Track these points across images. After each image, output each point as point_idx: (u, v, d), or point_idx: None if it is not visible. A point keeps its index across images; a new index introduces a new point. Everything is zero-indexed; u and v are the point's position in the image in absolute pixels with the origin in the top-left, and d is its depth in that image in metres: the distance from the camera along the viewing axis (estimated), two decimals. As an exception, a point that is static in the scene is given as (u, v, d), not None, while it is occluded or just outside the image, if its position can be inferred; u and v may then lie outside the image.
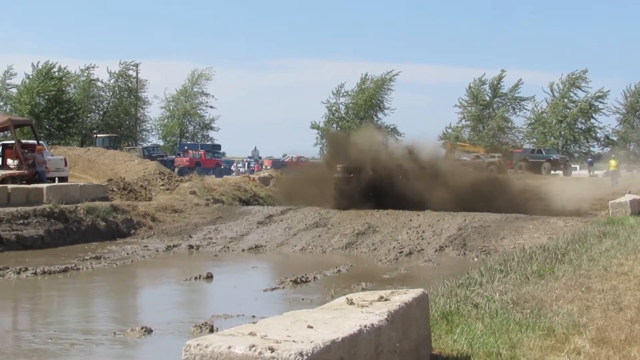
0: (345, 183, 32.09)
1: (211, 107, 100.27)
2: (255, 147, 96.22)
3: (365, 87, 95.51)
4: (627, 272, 12.38)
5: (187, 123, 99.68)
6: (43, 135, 73.97)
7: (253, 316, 13.26)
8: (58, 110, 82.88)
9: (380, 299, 6.81)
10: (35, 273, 19.78)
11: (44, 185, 29.02)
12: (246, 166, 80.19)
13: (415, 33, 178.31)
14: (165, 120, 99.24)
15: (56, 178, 34.61)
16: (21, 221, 25.43)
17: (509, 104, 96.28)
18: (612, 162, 58.31)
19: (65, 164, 37.63)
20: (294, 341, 5.17)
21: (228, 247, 26.36)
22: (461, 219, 27.64)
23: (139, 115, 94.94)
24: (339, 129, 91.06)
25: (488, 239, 25.38)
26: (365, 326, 5.74)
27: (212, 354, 5.09)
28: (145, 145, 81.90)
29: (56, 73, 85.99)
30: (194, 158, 72.40)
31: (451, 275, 13.42)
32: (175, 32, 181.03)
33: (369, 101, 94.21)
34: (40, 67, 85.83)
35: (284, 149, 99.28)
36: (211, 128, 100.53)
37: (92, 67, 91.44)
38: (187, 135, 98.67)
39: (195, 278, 19.72)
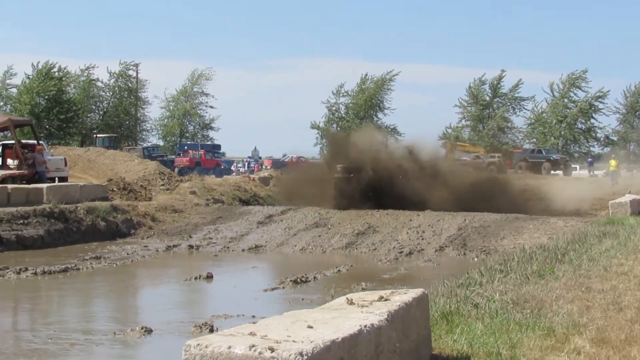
0: (345, 183, 31.98)
1: (211, 107, 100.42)
2: (255, 147, 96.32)
3: (365, 87, 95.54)
4: (627, 272, 12.38)
5: (187, 123, 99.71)
6: (43, 135, 73.97)
7: (253, 316, 13.26)
8: (58, 110, 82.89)
9: (380, 299, 6.81)
10: (35, 273, 19.78)
11: (44, 185, 29.02)
12: (246, 166, 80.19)
13: (415, 33, 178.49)
14: (165, 120, 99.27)
15: (56, 178, 34.60)
16: (21, 221, 25.43)
17: (509, 104, 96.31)
18: (612, 162, 58.32)
19: (65, 164, 37.63)
20: (294, 341, 5.17)
21: (228, 247, 26.37)
22: (461, 219, 27.64)
23: (139, 115, 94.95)
24: (339, 129, 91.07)
25: (488, 239, 25.38)
26: (365, 326, 5.74)
27: (212, 354, 5.09)
28: (145, 145, 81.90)
29: (56, 73, 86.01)
30: (194, 158, 72.40)
31: (451, 275, 13.42)
32: (175, 32, 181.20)
33: (369, 101, 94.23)
34: (40, 67, 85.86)
35: (283, 149, 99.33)
36: (211, 128, 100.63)
37: (92, 67, 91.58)
38: (187, 135, 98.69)
39: (195, 278, 19.72)
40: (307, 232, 27.78)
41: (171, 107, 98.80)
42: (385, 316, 6.13)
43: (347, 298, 6.89)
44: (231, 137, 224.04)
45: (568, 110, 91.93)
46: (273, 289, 18.29)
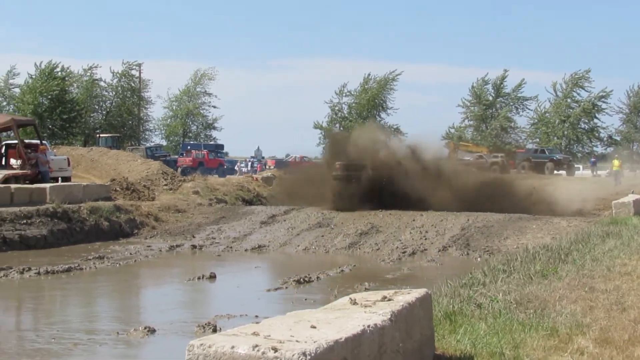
0: (345, 182, 31.54)
1: (214, 107, 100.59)
2: (258, 147, 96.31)
3: (368, 87, 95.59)
4: (630, 272, 12.37)
5: (190, 123, 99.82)
6: (46, 135, 74.05)
7: (256, 316, 13.25)
8: (61, 110, 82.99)
9: (384, 299, 6.81)
10: (39, 273, 19.78)
11: (47, 185, 29.02)
12: (249, 166, 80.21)
13: (418, 33, 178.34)
14: (168, 120, 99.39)
15: (59, 178, 34.62)
16: (24, 221, 25.44)
17: (512, 103, 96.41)
18: (615, 162, 58.27)
19: (68, 164, 37.65)
20: (297, 341, 5.16)
21: (231, 247, 26.37)
22: (464, 219, 27.61)
23: (141, 115, 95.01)
24: (341, 128, 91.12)
25: (491, 239, 25.36)
26: (368, 326, 5.74)
27: (215, 353, 5.09)
28: (148, 145, 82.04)
29: (59, 73, 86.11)
30: (197, 158, 72.45)
31: (454, 275, 13.40)
32: (177, 32, 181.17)
33: (371, 101, 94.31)
34: (43, 67, 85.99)
35: (286, 149, 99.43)
36: (214, 128, 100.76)
37: (95, 67, 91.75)
38: (190, 135, 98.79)
39: (199, 278, 19.72)
40: (310, 232, 27.77)
41: (174, 107, 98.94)
42: (389, 316, 6.13)
43: (350, 298, 6.88)
44: (234, 137, 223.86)
45: (571, 110, 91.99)
46: (276, 289, 18.28)
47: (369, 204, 30.48)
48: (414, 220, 27.99)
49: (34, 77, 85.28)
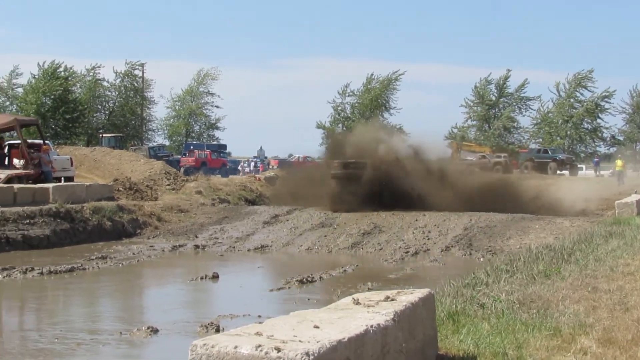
0: (344, 180, 31.16)
1: (217, 106, 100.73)
2: (261, 147, 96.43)
3: (371, 86, 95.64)
4: (633, 272, 12.36)
5: (193, 123, 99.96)
6: (49, 135, 74.10)
7: (259, 316, 13.26)
8: (64, 110, 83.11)
9: (387, 299, 6.81)
10: (42, 273, 19.79)
11: (50, 185, 29.04)
12: (252, 166, 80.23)
13: (420, 32, 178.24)
14: (171, 120, 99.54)
15: (62, 178, 34.64)
16: (27, 221, 25.46)
17: (515, 103, 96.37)
18: (619, 162, 58.21)
19: (71, 164, 37.68)
20: (300, 341, 5.16)
21: (234, 247, 26.36)
22: (467, 219, 27.60)
23: (144, 115, 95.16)
24: (344, 128, 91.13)
25: (494, 239, 25.35)
26: (371, 326, 5.74)
27: (218, 353, 5.09)
28: (151, 145, 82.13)
29: (62, 73, 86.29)
30: (199, 158, 72.48)
31: (457, 275, 13.41)
32: (180, 32, 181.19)
33: (374, 101, 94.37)
34: (46, 66, 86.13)
35: (289, 149, 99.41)
36: (217, 128, 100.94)
37: (98, 66, 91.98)
38: (193, 135, 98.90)
39: (201, 278, 19.72)
40: (313, 232, 27.76)
41: (177, 107, 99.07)
42: (392, 316, 6.13)
43: (353, 298, 6.88)
44: (237, 137, 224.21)
45: (574, 110, 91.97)
46: (279, 289, 18.28)
47: (369, 204, 30.18)
48: (416, 220, 27.98)
49: (37, 77, 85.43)
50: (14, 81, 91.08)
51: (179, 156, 76.35)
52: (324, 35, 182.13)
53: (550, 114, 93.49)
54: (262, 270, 23.66)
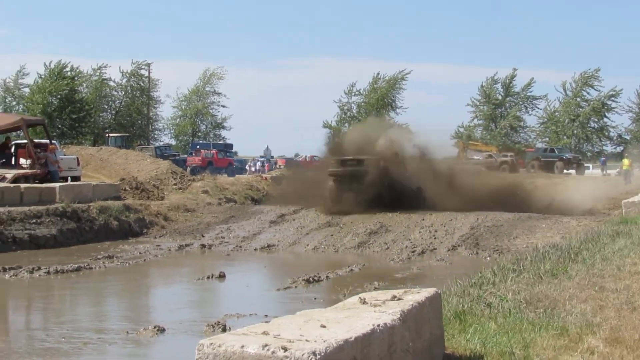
0: (345, 178, 30.54)
1: (223, 106, 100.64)
2: (267, 147, 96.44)
3: (377, 86, 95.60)
4: (640, 271, 12.33)
5: (199, 122, 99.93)
6: (55, 134, 74.21)
7: (266, 315, 13.24)
8: (70, 110, 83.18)
9: (393, 298, 6.80)
10: (48, 272, 19.80)
11: (57, 185, 29.07)
12: (258, 165, 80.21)
13: (423, 32, 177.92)
14: (178, 119, 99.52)
15: (69, 177, 34.69)
16: (34, 220, 25.49)
17: (521, 103, 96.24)
18: (625, 161, 58.13)
19: (78, 164, 37.70)
20: (307, 340, 5.16)
21: (240, 247, 26.37)
22: (474, 218, 27.58)
23: (151, 114, 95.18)
24: (350, 128, 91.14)
25: (501, 238, 25.32)
26: (378, 325, 5.73)
27: (225, 353, 5.09)
28: (157, 144, 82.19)
29: (68, 72, 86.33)
30: (206, 157, 72.49)
31: (464, 274, 13.38)
32: (186, 32, 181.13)
33: (381, 100, 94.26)
34: (52, 66, 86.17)
35: (296, 148, 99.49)
36: (223, 127, 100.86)
37: (105, 66, 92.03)
38: (200, 134, 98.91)
39: (208, 277, 19.72)
40: (319, 231, 27.76)
41: (183, 107, 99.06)
42: (398, 315, 6.12)
43: (359, 297, 6.88)
44: (243, 137, 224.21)
45: (581, 109, 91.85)
46: (285, 288, 18.26)
47: (369, 204, 29.66)
48: (423, 219, 27.95)
49: (43, 77, 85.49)
50: (20, 81, 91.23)
51: (186, 156, 76.40)
52: (326, 35, 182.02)
53: (556, 113, 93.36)
54: (269, 270, 23.66)
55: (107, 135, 78.65)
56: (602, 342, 7.80)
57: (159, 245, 26.07)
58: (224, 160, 74.81)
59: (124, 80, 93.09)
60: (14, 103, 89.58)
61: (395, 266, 22.45)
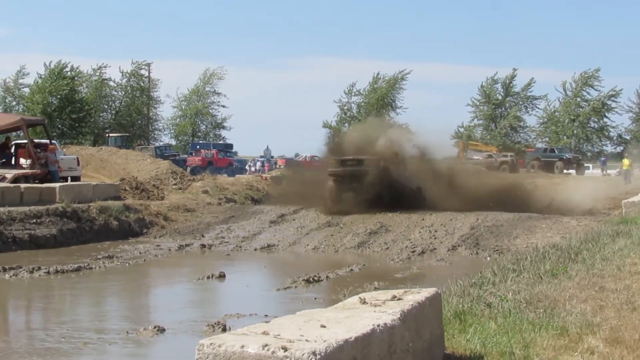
0: (342, 178, 30.52)
1: (223, 106, 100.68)
2: (267, 147, 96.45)
3: (377, 86, 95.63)
4: (640, 271, 12.33)
5: (199, 122, 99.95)
6: (55, 134, 74.23)
7: (266, 315, 13.25)
8: (70, 110, 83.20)
9: (393, 298, 6.81)
10: (48, 272, 19.80)
11: (57, 185, 29.08)
12: (258, 165, 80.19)
13: (426, 32, 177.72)
14: (178, 119, 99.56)
15: (69, 177, 34.68)
16: (34, 220, 25.50)
17: (521, 103, 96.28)
18: (625, 161, 58.12)
19: (78, 164, 37.69)
20: (307, 340, 5.17)
21: (240, 247, 26.37)
22: (474, 218, 27.59)
23: (151, 114, 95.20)
24: (350, 128, 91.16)
25: (501, 238, 25.33)
26: (378, 325, 5.74)
27: (225, 353, 5.10)
28: (157, 144, 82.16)
29: (68, 72, 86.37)
30: (206, 157, 72.47)
31: (464, 274, 13.37)
32: (186, 32, 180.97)
33: (381, 100, 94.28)
34: (52, 66, 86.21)
35: (295, 149, 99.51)
36: (223, 127, 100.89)
37: (105, 66, 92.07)
38: (200, 134, 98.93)
39: (208, 277, 19.73)
40: (320, 231, 27.76)
41: (183, 107, 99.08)
42: (398, 315, 6.13)
43: (360, 297, 6.88)
44: (243, 137, 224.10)
45: (580, 109, 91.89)
46: (285, 288, 18.26)
47: (369, 204, 29.64)
48: (423, 219, 27.96)
49: (43, 76, 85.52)
50: (20, 81, 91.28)
51: (186, 156, 76.40)
52: (326, 34, 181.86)
53: (556, 113, 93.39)
54: (269, 270, 23.66)
55: (107, 135, 78.65)
56: (602, 342, 7.81)
57: (159, 245, 26.08)
58: (224, 160, 74.79)
59: (124, 80, 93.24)
60: (14, 103, 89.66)
61: (395, 266, 22.46)
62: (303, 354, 4.91)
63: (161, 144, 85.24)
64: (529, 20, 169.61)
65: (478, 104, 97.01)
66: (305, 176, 40.68)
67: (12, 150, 34.77)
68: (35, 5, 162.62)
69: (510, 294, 10.10)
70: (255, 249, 25.96)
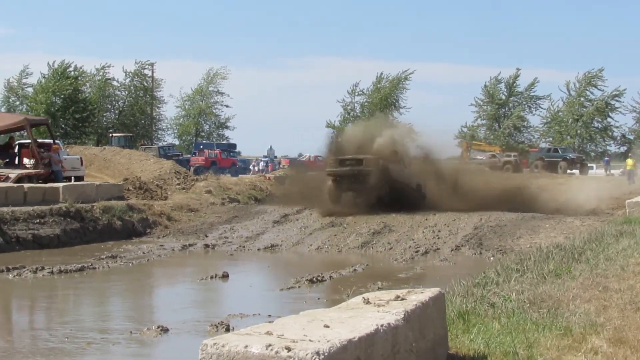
0: (341, 177, 30.43)
1: (226, 106, 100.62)
2: (270, 146, 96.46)
3: (380, 85, 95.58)
4: (644, 271, 12.31)
5: (203, 122, 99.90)
6: (59, 134, 74.32)
7: (269, 315, 13.26)
8: (74, 110, 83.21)
9: (397, 298, 6.80)
10: (52, 272, 19.82)
11: (60, 185, 29.11)
12: (261, 165, 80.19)
13: (429, 32, 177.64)
14: (181, 119, 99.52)
15: (72, 177, 34.73)
16: (37, 220, 25.52)
17: (524, 102, 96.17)
18: (629, 161, 58.05)
19: (81, 163, 37.74)
20: (310, 340, 5.16)
21: (244, 247, 26.37)
22: (477, 218, 27.57)
23: (154, 114, 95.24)
24: (350, 127, 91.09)
25: (504, 238, 25.31)
26: (381, 325, 5.73)
27: (228, 353, 5.09)
28: (160, 144, 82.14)
29: (72, 72, 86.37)
30: (209, 157, 72.50)
31: (467, 274, 13.38)
32: (190, 31, 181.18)
33: (384, 100, 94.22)
34: (56, 66, 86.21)
35: (299, 148, 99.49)
36: (226, 127, 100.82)
37: (108, 66, 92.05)
38: (203, 134, 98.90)
39: (211, 277, 19.73)
40: (323, 231, 27.76)
41: (187, 107, 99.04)
42: (402, 315, 6.12)
43: (363, 297, 6.88)
44: (246, 136, 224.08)
45: (584, 109, 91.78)
46: (289, 288, 18.25)
47: (369, 203, 29.65)
48: (426, 219, 27.95)
49: (46, 76, 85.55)
50: (24, 81, 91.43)
51: (189, 155, 76.37)
52: (328, 34, 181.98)
53: (560, 113, 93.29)
54: (272, 270, 23.65)
55: (110, 135, 78.72)
56: (605, 342, 7.79)
57: (162, 245, 26.09)
58: (228, 160, 74.81)
59: (128, 80, 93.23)
60: (18, 103, 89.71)
61: (398, 266, 22.44)
62: (307, 354, 4.91)
63: (164, 143, 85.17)
64: (529, 20, 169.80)
65: (481, 103, 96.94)
66: (309, 176, 40.59)
67: (16, 150, 34.83)
68: (36, 5, 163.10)
69: (514, 294, 10.09)
70: (258, 249, 25.96)
